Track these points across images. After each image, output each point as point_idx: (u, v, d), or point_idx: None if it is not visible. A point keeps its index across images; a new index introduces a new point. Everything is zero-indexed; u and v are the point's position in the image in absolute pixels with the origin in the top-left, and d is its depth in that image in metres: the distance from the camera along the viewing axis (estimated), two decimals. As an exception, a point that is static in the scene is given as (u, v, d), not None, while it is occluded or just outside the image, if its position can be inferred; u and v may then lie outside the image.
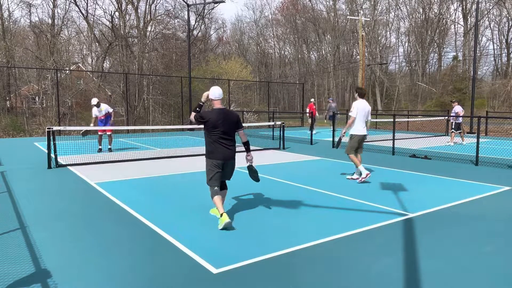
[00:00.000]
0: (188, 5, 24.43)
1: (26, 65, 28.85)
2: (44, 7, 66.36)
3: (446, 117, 18.84)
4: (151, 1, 34.50)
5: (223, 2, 23.92)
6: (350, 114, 7.49)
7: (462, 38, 44.21)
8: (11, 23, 33.54)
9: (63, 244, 4.21)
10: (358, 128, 7.49)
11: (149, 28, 34.97)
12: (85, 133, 11.20)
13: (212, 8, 43.03)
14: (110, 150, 12.07)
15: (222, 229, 4.57)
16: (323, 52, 54.66)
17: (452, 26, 47.11)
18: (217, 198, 4.77)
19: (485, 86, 41.02)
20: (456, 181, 7.74)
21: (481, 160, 10.06)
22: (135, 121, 28.07)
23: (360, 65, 32.13)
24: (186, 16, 31.44)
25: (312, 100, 21.39)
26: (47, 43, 29.54)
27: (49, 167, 9.02)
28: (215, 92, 4.91)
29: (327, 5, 53.93)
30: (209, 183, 4.90)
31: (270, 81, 42.54)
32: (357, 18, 36.41)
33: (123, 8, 33.03)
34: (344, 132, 7.65)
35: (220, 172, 4.91)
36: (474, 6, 40.46)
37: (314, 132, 20.63)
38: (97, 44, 34.04)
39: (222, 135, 4.84)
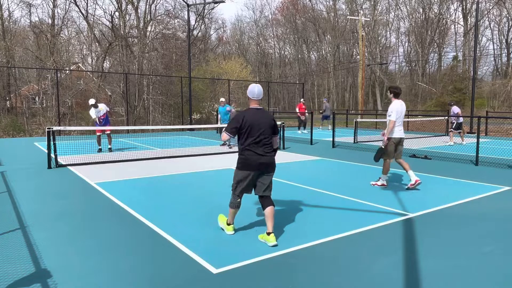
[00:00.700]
0: (188, 5, 24.44)
1: (26, 65, 28.87)
2: (44, 7, 66.56)
3: (446, 117, 18.85)
4: (151, 1, 34.55)
5: (223, 2, 23.95)
6: (389, 118, 6.84)
7: (462, 38, 44.24)
8: (11, 23, 33.59)
9: (63, 244, 4.21)
10: (396, 130, 6.88)
11: (149, 28, 35.02)
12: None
13: (212, 8, 43.09)
14: (110, 150, 12.06)
15: (221, 229, 4.58)
16: (323, 52, 54.71)
17: (452, 26, 47.19)
18: (233, 211, 4.39)
19: (485, 86, 41.02)
20: (456, 181, 7.74)
21: (481, 160, 10.06)
22: (135, 121, 28.08)
23: (360, 65, 32.14)
24: (186, 16, 31.47)
25: (302, 100, 21.43)
26: (47, 43, 29.55)
27: (49, 167, 9.02)
28: (254, 91, 4.22)
29: (327, 5, 54.00)
30: (234, 192, 4.33)
31: (270, 81, 42.56)
32: (357, 18, 36.43)
33: (123, 8, 33.05)
34: (386, 140, 6.88)
35: (252, 183, 4.25)
36: (474, 6, 40.47)
37: (301, 131, 20.65)
38: (97, 44, 34.06)
39: (258, 139, 4.16)
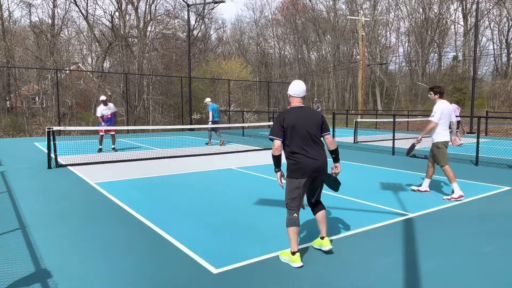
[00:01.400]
0: (188, 5, 24.44)
1: (26, 65, 28.88)
2: (44, 7, 66.50)
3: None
4: (151, 1, 34.55)
5: (223, 2, 23.94)
6: (431, 118, 6.38)
7: (462, 38, 44.23)
8: (11, 23, 33.57)
9: (63, 244, 4.21)
10: (444, 133, 6.45)
11: (149, 28, 35.03)
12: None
13: (212, 8, 43.06)
14: (114, 149, 12.04)
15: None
16: (323, 52, 54.70)
17: (452, 26, 47.17)
18: (292, 230, 3.67)
19: (485, 86, 41.04)
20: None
21: (481, 160, 10.06)
22: (135, 121, 28.10)
23: (360, 65, 32.14)
24: (186, 16, 31.47)
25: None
26: (47, 43, 29.55)
27: (49, 167, 9.02)
28: (295, 88, 3.84)
29: (327, 5, 53.99)
30: (287, 206, 3.77)
31: (270, 81, 42.57)
32: (357, 18, 36.44)
33: (123, 8, 33.05)
34: (420, 139, 6.48)
35: (304, 191, 3.79)
36: (474, 6, 40.47)
37: None
38: (97, 44, 34.06)
39: (305, 140, 3.71)
